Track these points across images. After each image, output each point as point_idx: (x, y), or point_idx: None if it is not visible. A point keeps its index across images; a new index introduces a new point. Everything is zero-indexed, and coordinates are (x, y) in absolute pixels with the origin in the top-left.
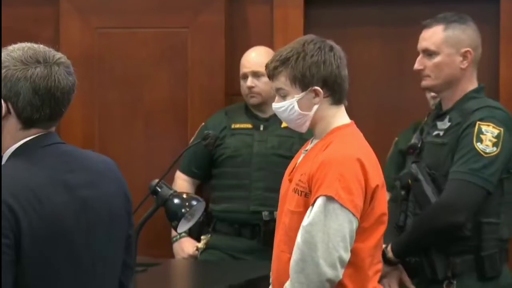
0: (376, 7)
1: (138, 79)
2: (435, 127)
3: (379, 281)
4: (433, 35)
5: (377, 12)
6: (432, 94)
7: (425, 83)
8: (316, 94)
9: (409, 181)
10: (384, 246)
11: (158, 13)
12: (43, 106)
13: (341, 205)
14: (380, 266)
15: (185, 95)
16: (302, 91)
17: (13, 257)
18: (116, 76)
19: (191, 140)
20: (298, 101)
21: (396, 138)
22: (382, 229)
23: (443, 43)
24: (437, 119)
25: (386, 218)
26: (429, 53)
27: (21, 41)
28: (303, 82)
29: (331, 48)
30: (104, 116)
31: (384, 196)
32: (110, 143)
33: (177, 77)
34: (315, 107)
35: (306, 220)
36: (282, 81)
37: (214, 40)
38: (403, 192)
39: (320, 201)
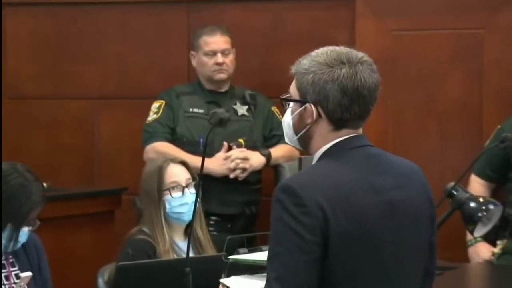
0: None
1: (431, 80)
2: None
3: None
4: None
5: None
6: None
7: None
8: None
9: None
10: None
11: (452, 14)
12: (352, 106)
13: None
14: None
15: (480, 96)
16: None
17: (320, 255)
18: (410, 77)
19: (487, 143)
20: None
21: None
22: None
23: None
24: None
25: None
26: None
27: (319, 45)
28: None
29: None
30: (397, 117)
31: None
32: (403, 144)
33: (471, 78)
34: None
35: None
36: None
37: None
38: None
39: None
